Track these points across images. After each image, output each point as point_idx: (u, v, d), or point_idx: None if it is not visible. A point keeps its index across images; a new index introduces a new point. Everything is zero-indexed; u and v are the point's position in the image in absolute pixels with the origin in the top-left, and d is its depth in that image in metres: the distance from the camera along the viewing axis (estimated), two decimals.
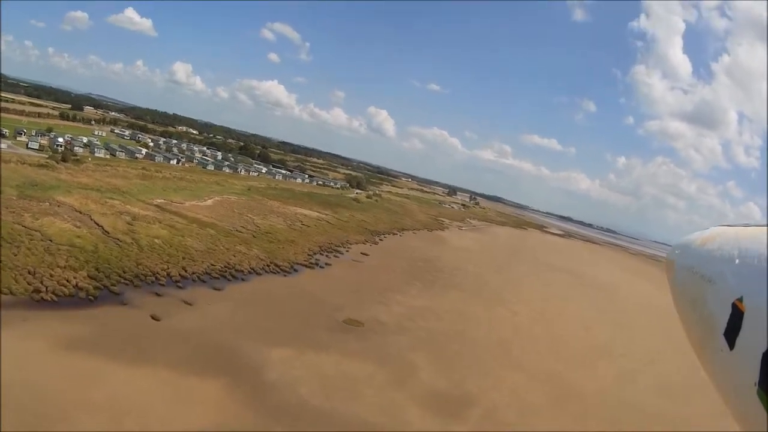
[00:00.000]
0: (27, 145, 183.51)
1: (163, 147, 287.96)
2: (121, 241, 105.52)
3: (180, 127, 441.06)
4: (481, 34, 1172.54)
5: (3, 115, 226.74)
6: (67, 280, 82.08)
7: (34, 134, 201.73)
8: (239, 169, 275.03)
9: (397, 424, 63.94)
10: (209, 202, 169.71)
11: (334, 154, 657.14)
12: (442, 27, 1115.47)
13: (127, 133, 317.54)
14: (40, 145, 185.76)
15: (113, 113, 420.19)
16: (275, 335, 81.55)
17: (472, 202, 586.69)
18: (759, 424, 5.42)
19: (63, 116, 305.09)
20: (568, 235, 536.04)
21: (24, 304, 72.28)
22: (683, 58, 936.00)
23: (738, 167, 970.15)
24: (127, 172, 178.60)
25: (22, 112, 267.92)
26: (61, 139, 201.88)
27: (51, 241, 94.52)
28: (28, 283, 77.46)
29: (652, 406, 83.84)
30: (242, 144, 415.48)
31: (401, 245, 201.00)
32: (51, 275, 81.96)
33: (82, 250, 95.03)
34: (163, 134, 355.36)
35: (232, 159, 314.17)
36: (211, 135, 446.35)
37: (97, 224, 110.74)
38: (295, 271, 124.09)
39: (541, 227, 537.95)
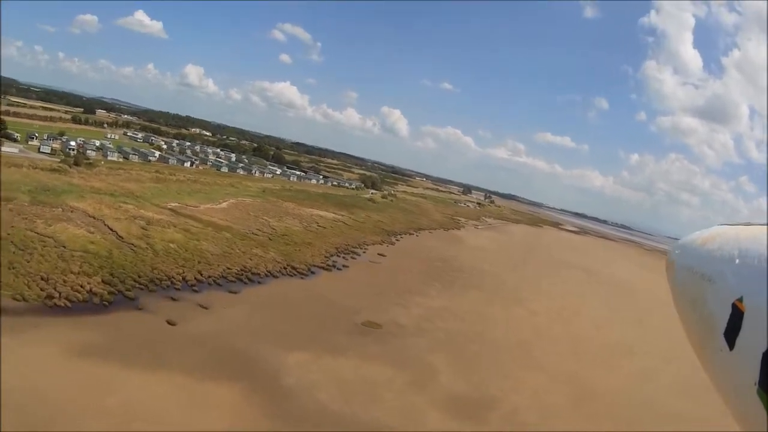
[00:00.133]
0: (39, 149, 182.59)
1: (177, 149, 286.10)
2: (135, 246, 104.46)
3: (193, 129, 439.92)
4: (492, 33, 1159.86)
5: (15, 119, 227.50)
6: (81, 286, 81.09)
7: (45, 138, 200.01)
8: (253, 171, 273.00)
9: (417, 428, 63.17)
10: (224, 204, 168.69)
11: (347, 155, 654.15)
12: (453, 26, 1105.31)
13: (140, 136, 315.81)
14: (52, 149, 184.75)
15: (126, 116, 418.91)
16: (292, 339, 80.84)
17: (487, 200, 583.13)
18: (759, 424, 5.41)
19: (75, 120, 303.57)
20: (583, 231, 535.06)
21: (37, 311, 71.79)
22: (694, 53, 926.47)
23: (750, 162, 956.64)
24: (141, 176, 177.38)
25: (33, 116, 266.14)
26: (73, 143, 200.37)
27: (64, 247, 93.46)
28: (41, 289, 76.52)
29: (671, 406, 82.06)
30: (256, 145, 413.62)
31: (418, 245, 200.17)
32: (64, 281, 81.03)
33: (96, 255, 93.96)
34: (176, 137, 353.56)
35: (246, 161, 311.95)
36: (225, 137, 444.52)
37: (111, 229, 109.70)
38: (312, 273, 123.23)
39: (556, 224, 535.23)
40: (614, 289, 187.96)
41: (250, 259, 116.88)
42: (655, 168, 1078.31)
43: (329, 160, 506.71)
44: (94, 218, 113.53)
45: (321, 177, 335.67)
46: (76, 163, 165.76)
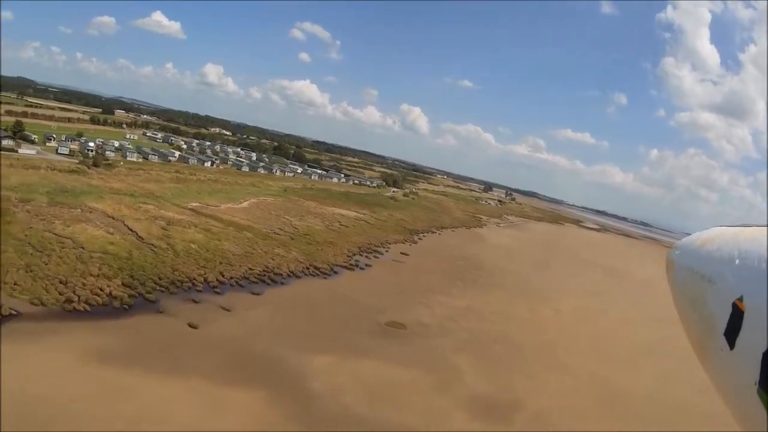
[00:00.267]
0: (56, 150, 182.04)
1: (197, 149, 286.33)
2: (156, 247, 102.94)
3: (213, 129, 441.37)
4: (511, 32, 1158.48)
5: (32, 120, 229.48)
6: (101, 289, 79.37)
7: (63, 139, 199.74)
8: (274, 170, 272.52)
9: (443, 430, 62.24)
10: (245, 204, 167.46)
11: (368, 153, 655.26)
12: (473, 24, 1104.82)
13: (159, 135, 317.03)
14: (70, 151, 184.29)
15: (145, 116, 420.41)
16: (316, 340, 79.73)
17: (508, 198, 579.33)
18: (759, 424, 5.38)
19: (94, 120, 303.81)
20: (603, 229, 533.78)
21: (55, 315, 70.37)
22: (711, 49, 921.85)
23: None
24: (161, 176, 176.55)
25: (51, 117, 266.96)
26: (92, 144, 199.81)
27: (83, 248, 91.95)
28: (60, 293, 74.84)
29: (699, 405, 79.09)
30: (276, 144, 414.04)
31: (440, 244, 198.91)
32: (83, 284, 79.32)
33: (116, 257, 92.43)
34: (195, 136, 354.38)
35: (267, 160, 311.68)
36: (245, 136, 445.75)
37: (131, 230, 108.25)
38: (335, 273, 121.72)
39: (577, 222, 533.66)
40: (638, 288, 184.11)
41: (272, 259, 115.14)
42: (674, 163, 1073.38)
43: (350, 159, 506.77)
44: (114, 219, 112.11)
45: (342, 175, 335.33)
46: (95, 164, 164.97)
